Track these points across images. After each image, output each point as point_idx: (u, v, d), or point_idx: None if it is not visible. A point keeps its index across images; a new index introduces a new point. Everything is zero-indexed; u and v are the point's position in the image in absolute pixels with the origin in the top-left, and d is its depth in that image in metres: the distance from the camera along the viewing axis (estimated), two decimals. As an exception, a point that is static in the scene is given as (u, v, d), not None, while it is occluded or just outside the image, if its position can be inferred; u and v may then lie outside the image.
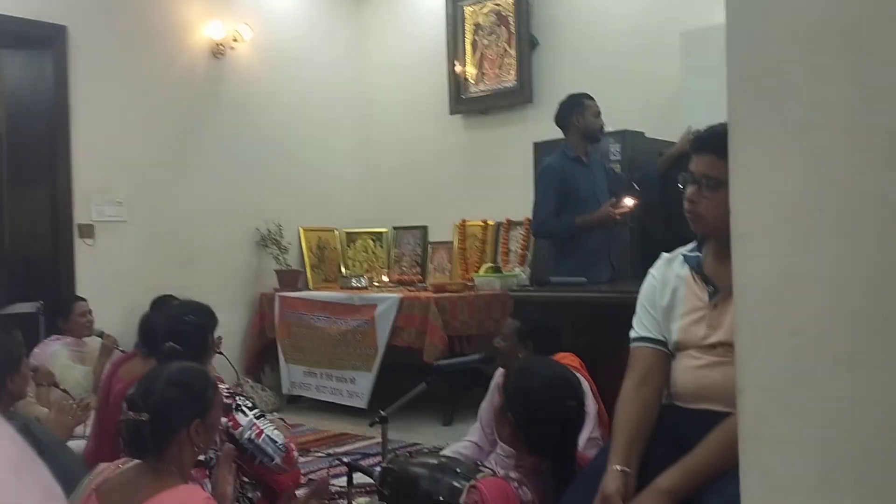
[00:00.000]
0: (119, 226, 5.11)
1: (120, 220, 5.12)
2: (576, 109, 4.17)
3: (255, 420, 2.47)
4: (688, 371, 1.73)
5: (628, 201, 3.97)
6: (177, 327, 2.63)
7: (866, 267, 0.94)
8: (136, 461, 1.73)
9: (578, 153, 4.17)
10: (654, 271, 1.88)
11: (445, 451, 3.04)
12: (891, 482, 0.92)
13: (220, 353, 2.79)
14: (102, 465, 1.76)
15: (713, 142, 1.72)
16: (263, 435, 2.44)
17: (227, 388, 2.51)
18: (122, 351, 4.27)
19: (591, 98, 4.19)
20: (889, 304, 0.92)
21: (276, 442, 2.45)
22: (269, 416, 2.59)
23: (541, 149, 4.82)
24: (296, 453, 2.50)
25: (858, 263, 0.95)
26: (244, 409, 2.49)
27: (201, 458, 2.17)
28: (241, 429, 2.43)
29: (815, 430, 0.97)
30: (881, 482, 0.93)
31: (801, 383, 0.98)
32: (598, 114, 4.18)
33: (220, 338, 2.75)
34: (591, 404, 2.59)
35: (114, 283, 5.00)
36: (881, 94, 0.92)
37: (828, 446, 0.96)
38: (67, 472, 1.79)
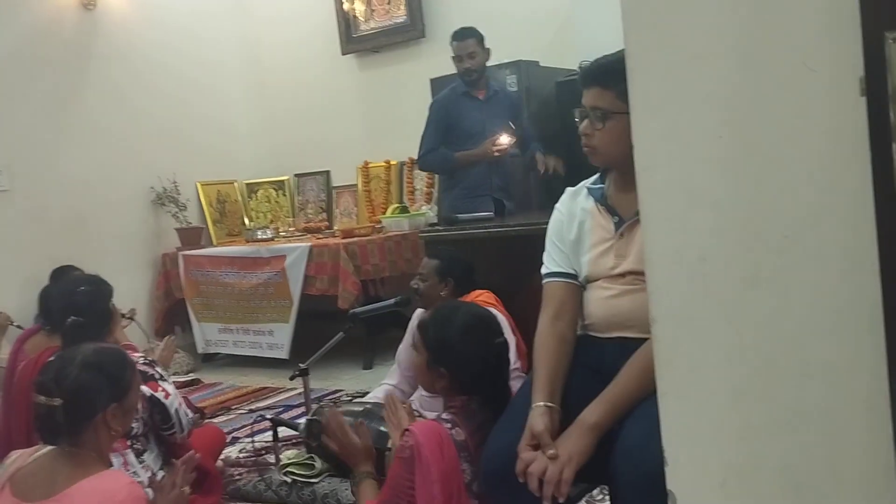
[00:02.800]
0: (2, 196, 4.82)
1: (2, 189, 4.82)
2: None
3: (176, 391, 2.45)
4: (599, 301, 1.78)
5: (504, 139, 4.02)
6: (72, 300, 2.53)
7: (766, 189, 0.97)
8: (51, 447, 1.66)
9: (469, 89, 4.16)
10: (560, 206, 1.90)
11: (367, 398, 3.06)
12: (799, 393, 0.97)
13: (133, 319, 2.70)
14: (15, 454, 1.68)
15: (598, 74, 1.74)
16: (183, 407, 2.43)
17: (143, 358, 2.45)
18: (18, 327, 4.09)
19: (459, 38, 4.11)
20: (789, 223, 0.96)
21: (188, 415, 2.46)
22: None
23: (437, 84, 4.75)
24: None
25: (759, 187, 0.98)
26: (166, 378, 2.46)
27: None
28: (171, 398, 2.39)
29: (725, 351, 1.01)
30: (790, 394, 0.98)
31: (711, 307, 1.01)
32: (461, 57, 4.10)
33: (133, 310, 2.66)
34: (510, 338, 2.64)
35: (4, 256, 4.73)
36: (775, 20, 0.94)
37: (739, 365, 1.00)
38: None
